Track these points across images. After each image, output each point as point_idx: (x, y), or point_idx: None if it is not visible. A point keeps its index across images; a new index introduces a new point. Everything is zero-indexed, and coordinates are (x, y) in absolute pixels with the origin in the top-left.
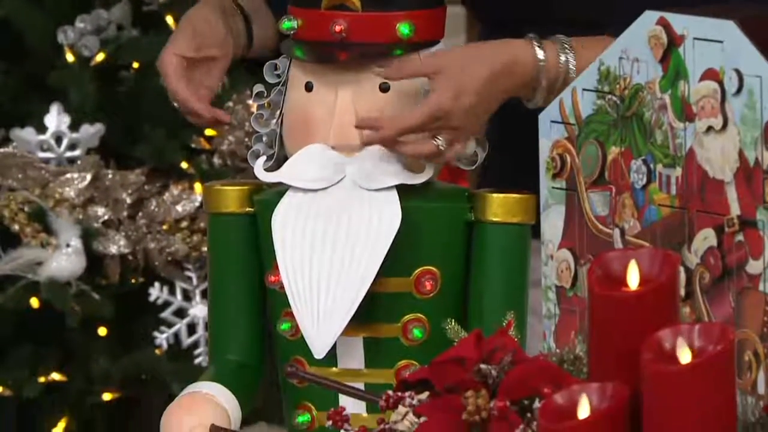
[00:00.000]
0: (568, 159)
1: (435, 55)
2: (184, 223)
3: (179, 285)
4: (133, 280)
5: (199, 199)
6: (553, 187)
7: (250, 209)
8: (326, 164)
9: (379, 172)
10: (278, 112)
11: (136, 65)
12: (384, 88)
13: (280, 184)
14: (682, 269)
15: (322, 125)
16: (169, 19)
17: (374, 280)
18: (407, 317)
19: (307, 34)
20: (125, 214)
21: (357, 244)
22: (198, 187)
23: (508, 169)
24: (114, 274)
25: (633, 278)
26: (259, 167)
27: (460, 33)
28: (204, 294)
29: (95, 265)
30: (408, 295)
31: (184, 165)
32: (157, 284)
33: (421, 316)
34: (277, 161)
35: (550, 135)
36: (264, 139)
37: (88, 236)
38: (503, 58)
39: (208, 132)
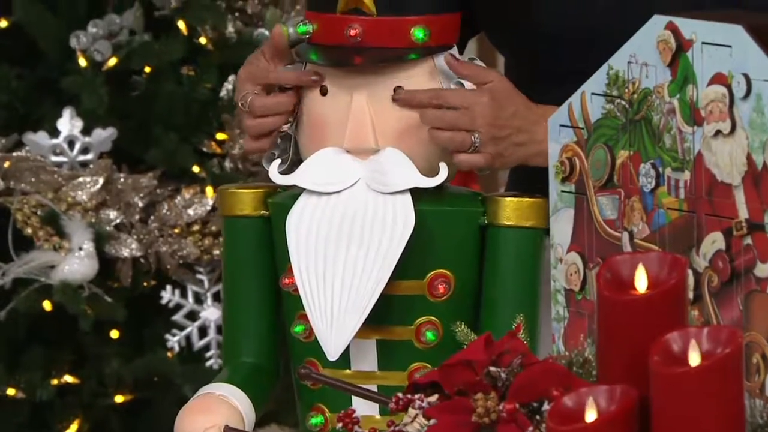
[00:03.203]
0: (577, 163)
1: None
2: (196, 227)
3: (191, 288)
4: (145, 284)
5: (211, 202)
6: (563, 191)
7: (264, 212)
8: (340, 167)
9: (393, 175)
10: (293, 116)
11: (148, 70)
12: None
13: (294, 187)
14: (690, 272)
15: (337, 128)
16: (181, 24)
17: (388, 282)
18: (420, 320)
19: (323, 38)
20: (137, 217)
21: (371, 247)
22: (209, 190)
23: (534, 172)
24: (126, 278)
25: (641, 282)
26: (273, 170)
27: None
28: (215, 297)
29: (107, 268)
30: (421, 297)
31: (195, 169)
32: (168, 287)
33: (434, 318)
34: (292, 164)
35: (559, 139)
36: (279, 142)
37: (100, 240)
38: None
39: (220, 136)
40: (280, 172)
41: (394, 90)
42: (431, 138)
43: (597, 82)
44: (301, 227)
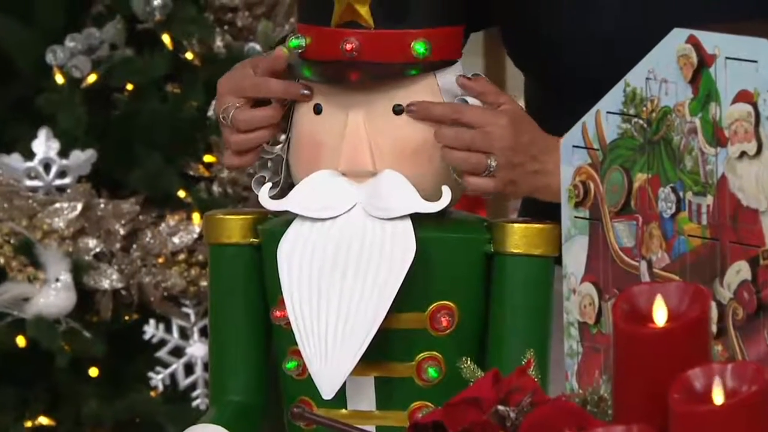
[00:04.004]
0: (592, 186)
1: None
2: (182, 256)
3: (176, 322)
4: (126, 317)
5: (197, 230)
6: (576, 217)
7: (254, 240)
8: (336, 191)
9: (392, 199)
10: (284, 136)
11: (130, 87)
12: (398, 111)
13: (286, 213)
14: (713, 304)
15: (332, 150)
16: (165, 38)
17: (387, 315)
18: (422, 355)
19: (316, 53)
20: (118, 246)
21: (368, 278)
22: (196, 217)
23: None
24: (106, 311)
25: (661, 314)
26: (264, 195)
27: (478, 54)
28: (202, 332)
29: (86, 301)
30: (423, 331)
31: (181, 194)
32: (152, 321)
33: (437, 354)
34: (283, 188)
35: (572, 161)
36: (269, 164)
37: (78, 270)
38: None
39: (207, 159)
40: (271, 197)
41: (407, 105)
42: (444, 157)
43: (613, 99)
44: (293, 256)
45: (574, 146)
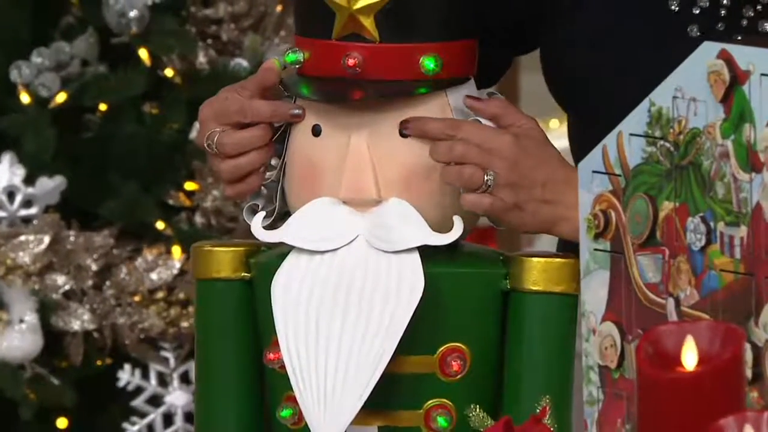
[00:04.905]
0: (613, 216)
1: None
2: (160, 294)
3: (153, 368)
4: (98, 362)
5: (178, 265)
6: (596, 249)
7: (245, 274)
8: (336, 221)
9: (398, 230)
10: (280, 161)
11: (103, 107)
12: (405, 133)
13: (281, 244)
14: (748, 346)
15: (332, 175)
16: (143, 53)
17: (392, 358)
18: (430, 403)
19: (315, 69)
20: (90, 283)
21: (372, 317)
22: (176, 251)
23: None
24: (76, 355)
25: (690, 357)
26: (256, 225)
27: None
28: (183, 378)
29: (54, 344)
30: (431, 376)
31: (159, 225)
32: (127, 367)
33: (447, 401)
34: (278, 218)
35: (591, 188)
36: (263, 191)
37: (45, 310)
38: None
39: (189, 186)
40: (265, 227)
41: (401, 123)
42: (441, 176)
43: (636, 120)
44: (288, 292)
45: (593, 171)
